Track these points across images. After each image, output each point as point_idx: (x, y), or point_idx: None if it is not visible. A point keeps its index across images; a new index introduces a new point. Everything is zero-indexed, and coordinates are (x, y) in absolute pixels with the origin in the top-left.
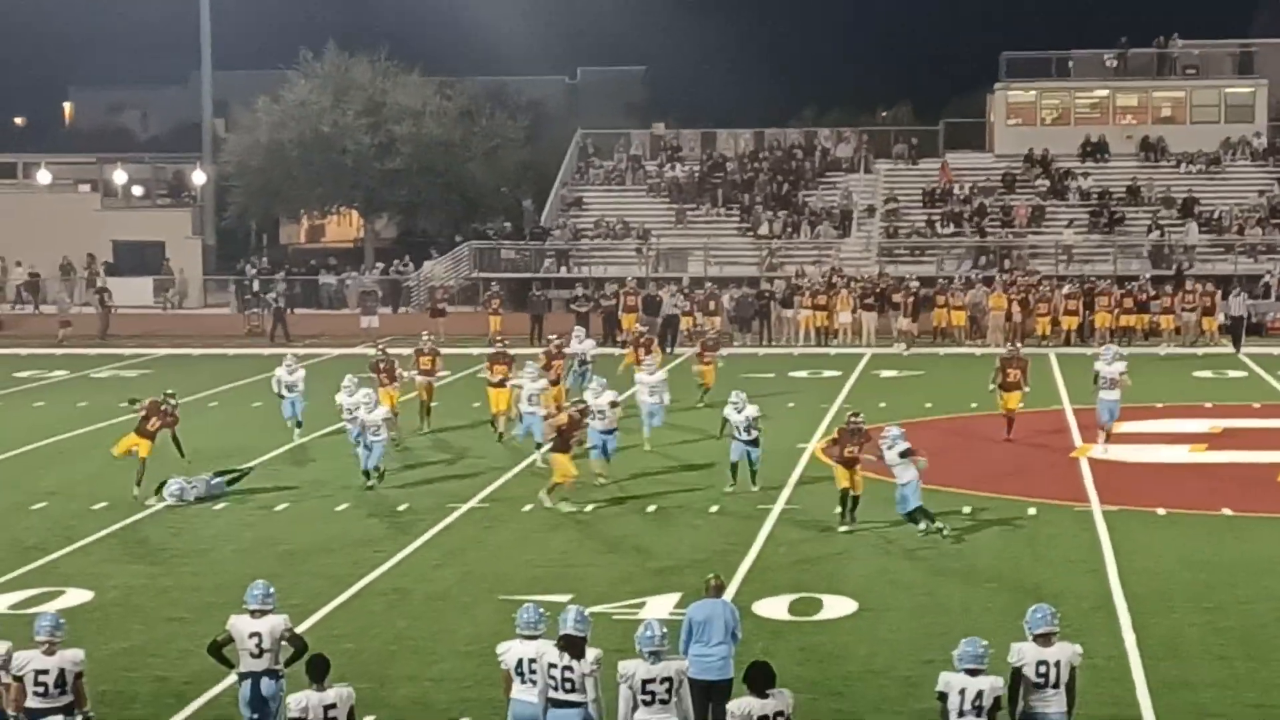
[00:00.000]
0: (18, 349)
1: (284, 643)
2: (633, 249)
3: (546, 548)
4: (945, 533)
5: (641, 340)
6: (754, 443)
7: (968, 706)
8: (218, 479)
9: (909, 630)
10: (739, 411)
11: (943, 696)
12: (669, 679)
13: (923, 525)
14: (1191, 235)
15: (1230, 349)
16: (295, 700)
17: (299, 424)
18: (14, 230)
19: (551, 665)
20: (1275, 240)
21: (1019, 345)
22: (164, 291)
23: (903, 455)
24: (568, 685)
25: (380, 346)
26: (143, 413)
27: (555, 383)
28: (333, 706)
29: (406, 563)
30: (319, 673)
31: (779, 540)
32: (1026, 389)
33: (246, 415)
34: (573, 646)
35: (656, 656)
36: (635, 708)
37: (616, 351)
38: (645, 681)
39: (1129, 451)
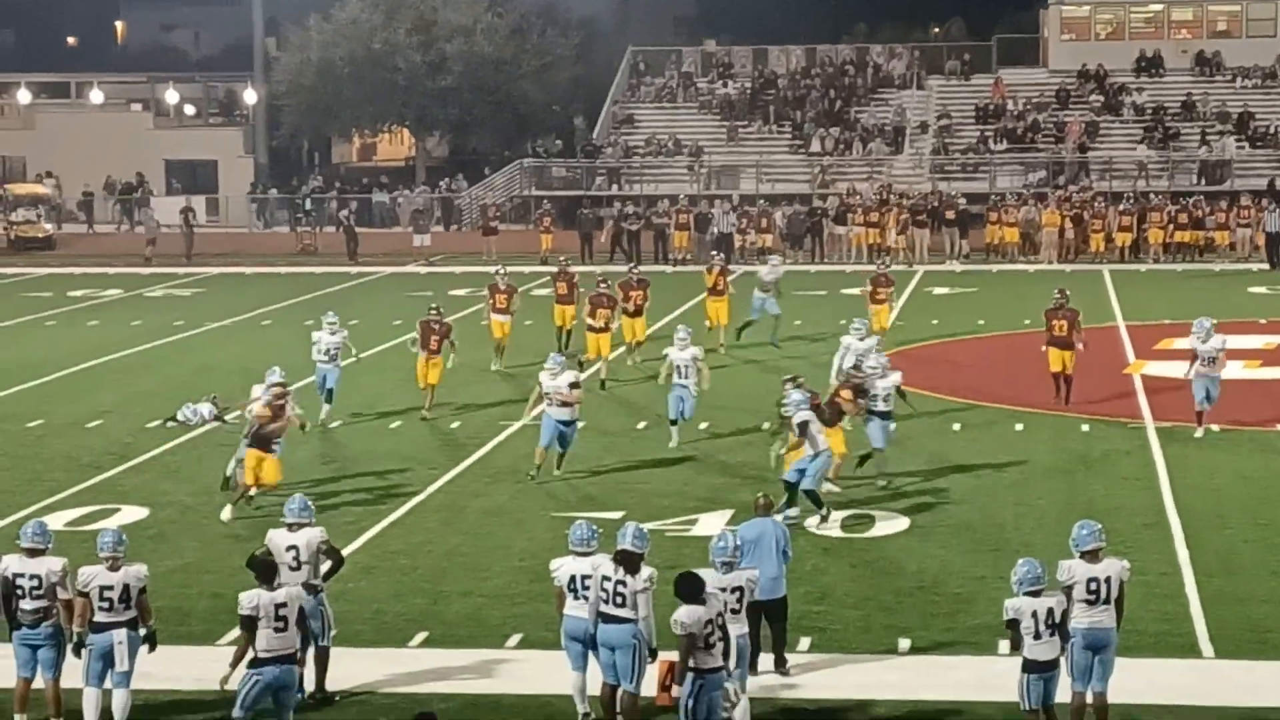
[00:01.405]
0: (71, 268)
1: (322, 556)
2: (684, 167)
3: (599, 465)
4: (824, 518)
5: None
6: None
7: (1042, 627)
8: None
9: (960, 547)
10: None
11: (1014, 624)
12: (739, 588)
13: (794, 511)
14: (1229, 150)
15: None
16: (246, 598)
17: (329, 399)
18: (67, 150)
19: (605, 578)
20: None
21: (1066, 293)
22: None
23: (801, 428)
24: (619, 600)
25: (500, 271)
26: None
27: (636, 313)
28: (283, 605)
29: (460, 479)
30: (265, 574)
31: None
32: (1080, 345)
33: (299, 333)
34: (629, 562)
35: (729, 567)
36: None
37: (668, 269)
38: (718, 589)
39: (1183, 368)
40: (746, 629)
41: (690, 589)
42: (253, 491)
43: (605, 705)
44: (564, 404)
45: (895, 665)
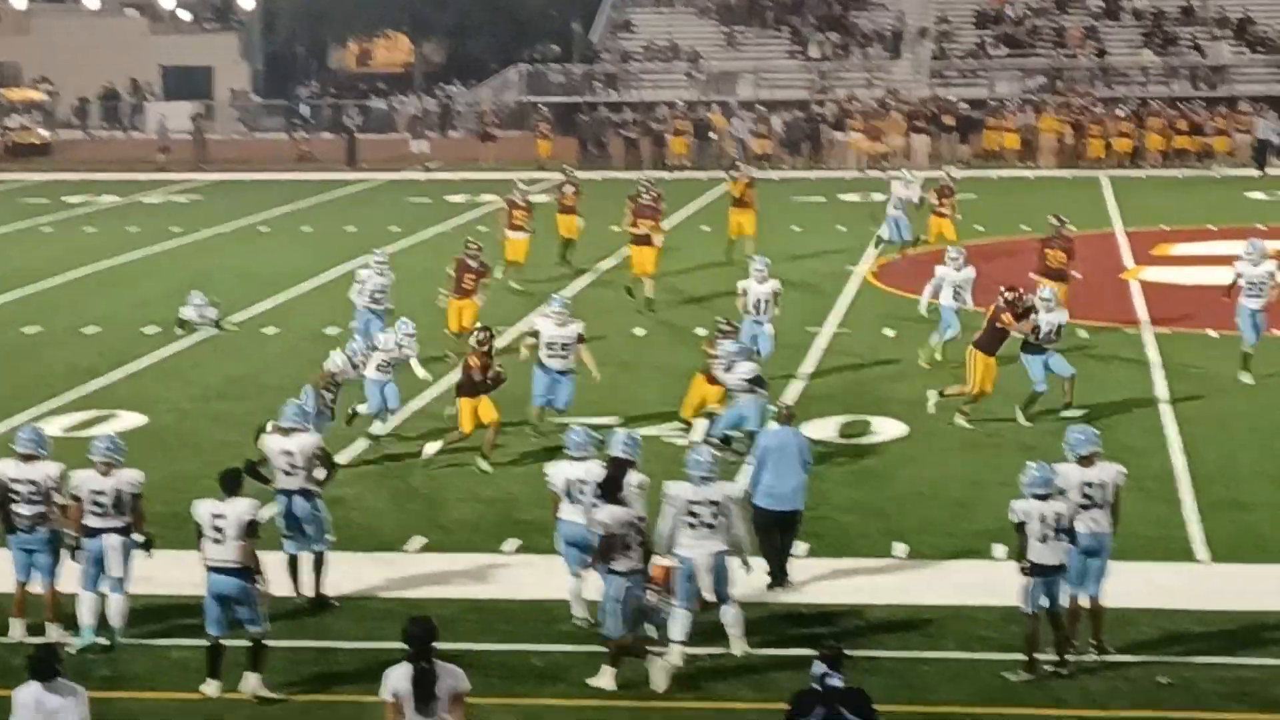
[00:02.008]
0: (68, 173)
1: (317, 461)
2: (682, 72)
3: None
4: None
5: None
6: None
7: (1050, 531)
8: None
9: (958, 453)
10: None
11: (1021, 526)
12: (715, 502)
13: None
14: (1224, 54)
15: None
16: (201, 507)
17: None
18: (62, 55)
19: (598, 485)
20: None
21: (1064, 220)
22: (207, 117)
23: (751, 383)
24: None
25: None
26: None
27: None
28: (220, 517)
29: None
30: (225, 484)
31: (829, 363)
32: (1076, 275)
33: (297, 240)
34: (618, 468)
35: (705, 481)
36: (678, 530)
37: (666, 176)
38: (690, 503)
39: (1181, 274)
40: (723, 546)
41: (610, 488)
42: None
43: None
44: (563, 351)
45: (892, 570)
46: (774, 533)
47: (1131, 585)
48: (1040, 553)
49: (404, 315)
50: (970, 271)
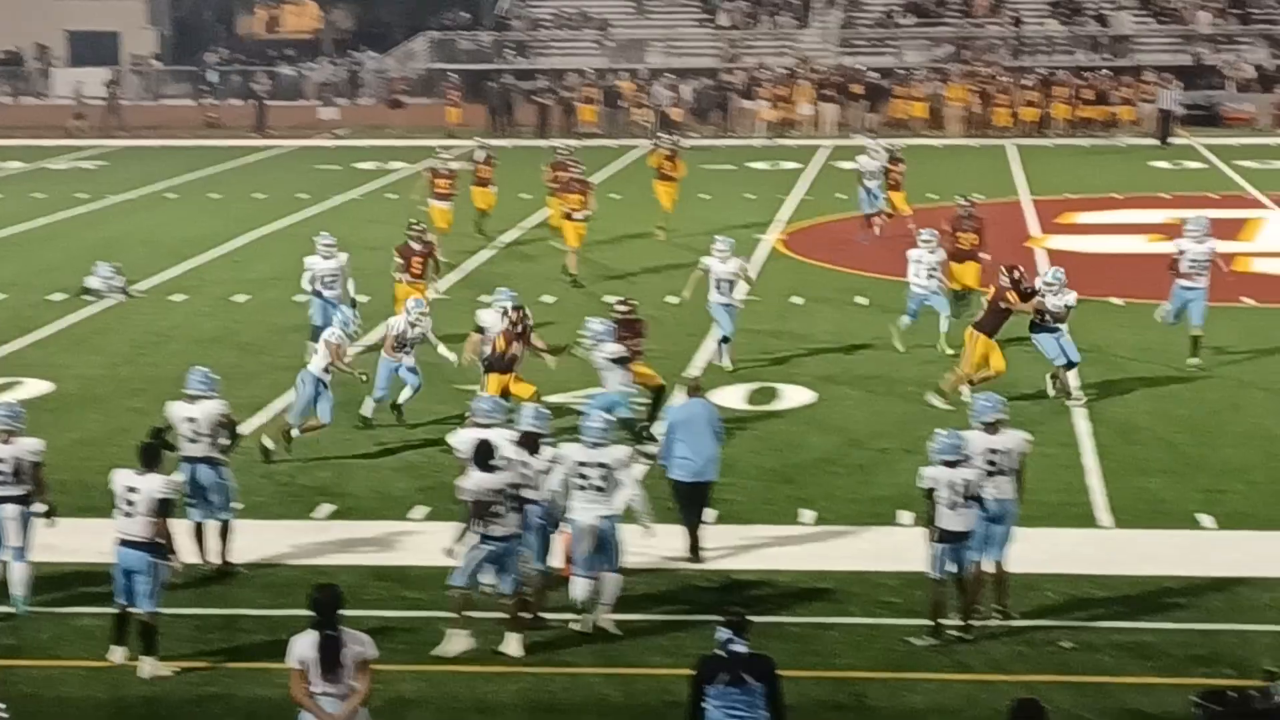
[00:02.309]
0: None
1: (221, 429)
2: (592, 40)
3: None
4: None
5: None
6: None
7: (959, 498)
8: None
9: (864, 420)
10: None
11: (930, 493)
12: (604, 465)
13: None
14: (1125, 24)
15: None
16: (118, 478)
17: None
18: None
19: (507, 460)
20: (1233, 31)
21: (973, 201)
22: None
23: (616, 361)
24: (525, 481)
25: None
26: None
27: (582, 192)
28: (134, 490)
29: (369, 355)
30: (143, 457)
31: (737, 330)
32: (986, 256)
33: (205, 207)
34: (529, 443)
35: (597, 446)
36: (570, 493)
37: (573, 143)
38: (579, 464)
39: (1086, 242)
40: (609, 511)
41: (481, 456)
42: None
43: None
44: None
45: (799, 537)
46: (689, 505)
47: (1036, 551)
48: (949, 519)
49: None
50: (943, 253)
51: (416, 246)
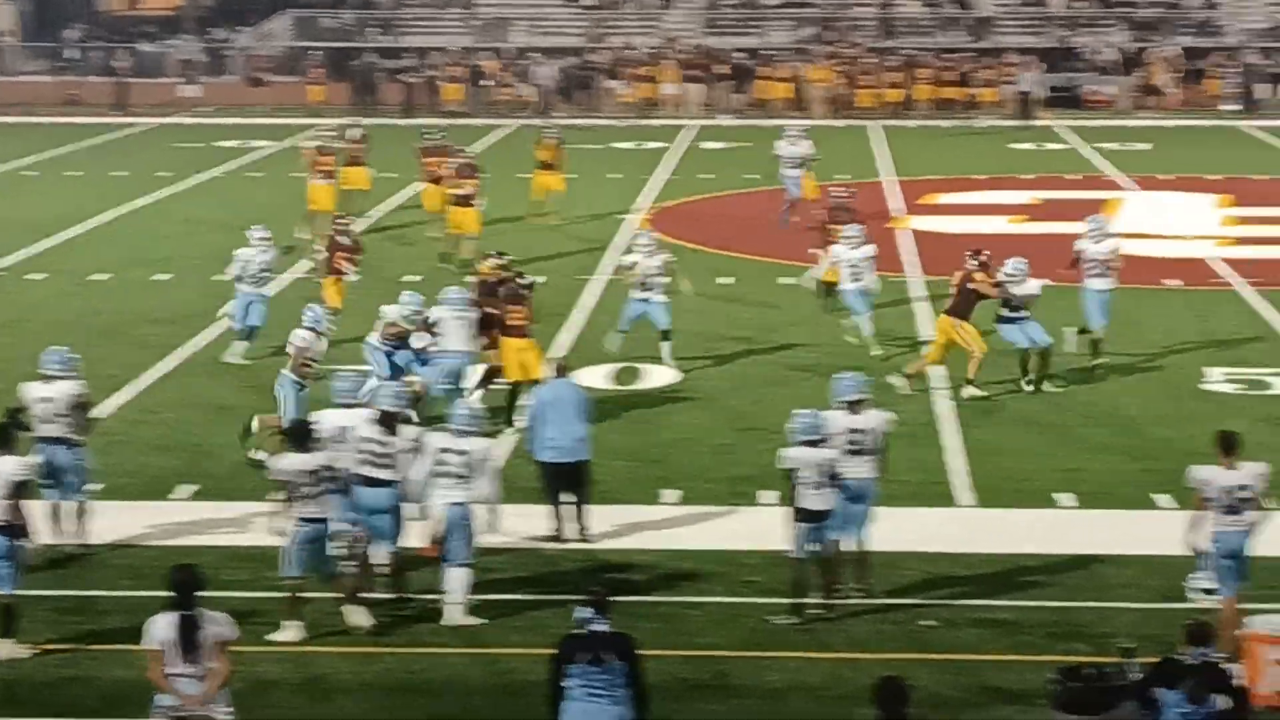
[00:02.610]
0: None
1: (77, 410)
2: (456, 18)
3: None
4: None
5: None
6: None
7: (820, 478)
8: None
9: (727, 400)
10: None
11: (792, 473)
12: (465, 453)
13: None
14: (987, 7)
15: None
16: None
17: (249, 336)
18: None
19: (365, 439)
20: (1094, 12)
21: (851, 192)
22: None
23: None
24: (382, 461)
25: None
26: None
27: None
28: None
29: (228, 335)
30: (2, 441)
31: (603, 309)
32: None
33: (66, 184)
34: (388, 422)
35: (463, 434)
36: (432, 479)
37: (442, 123)
38: (441, 450)
39: (949, 223)
40: (464, 499)
41: (297, 437)
42: None
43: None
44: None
45: (662, 516)
46: (560, 486)
47: (898, 530)
48: (810, 499)
49: (179, 262)
50: (870, 249)
51: (345, 242)
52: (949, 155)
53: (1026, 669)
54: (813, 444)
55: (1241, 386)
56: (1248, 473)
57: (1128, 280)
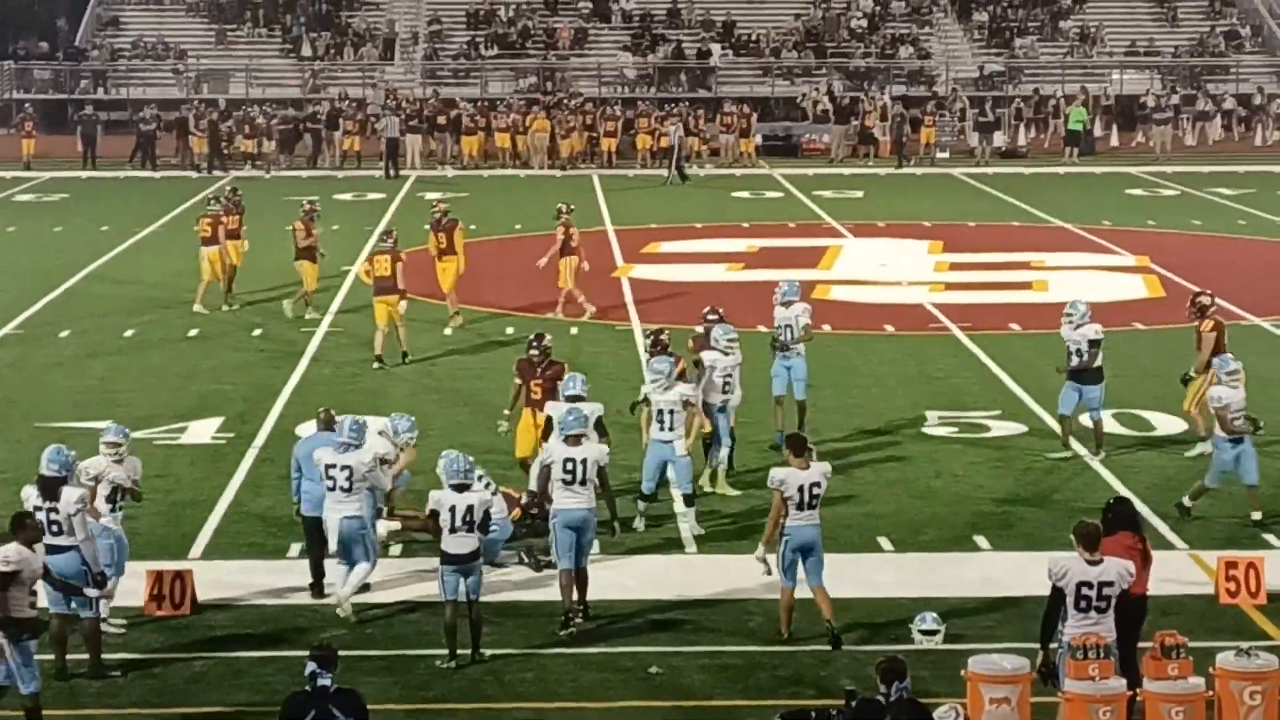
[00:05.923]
0: None
1: None
2: (170, 70)
3: (85, 374)
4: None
5: None
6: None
7: (459, 522)
8: None
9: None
10: None
11: (434, 515)
12: (349, 467)
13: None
14: (711, 57)
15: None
16: None
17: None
18: None
19: (36, 509)
20: (810, 63)
21: (567, 207)
22: None
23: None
24: (54, 529)
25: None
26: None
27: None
28: None
29: None
30: None
31: (324, 360)
32: (585, 265)
33: None
34: (48, 489)
35: (346, 448)
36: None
37: (157, 175)
38: (328, 465)
39: (667, 271)
40: (353, 511)
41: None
42: None
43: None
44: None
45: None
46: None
47: (624, 576)
48: (451, 543)
49: None
50: (806, 317)
51: (217, 209)
52: (669, 204)
53: (752, 714)
54: (458, 488)
55: (958, 430)
56: (817, 471)
57: (842, 326)
